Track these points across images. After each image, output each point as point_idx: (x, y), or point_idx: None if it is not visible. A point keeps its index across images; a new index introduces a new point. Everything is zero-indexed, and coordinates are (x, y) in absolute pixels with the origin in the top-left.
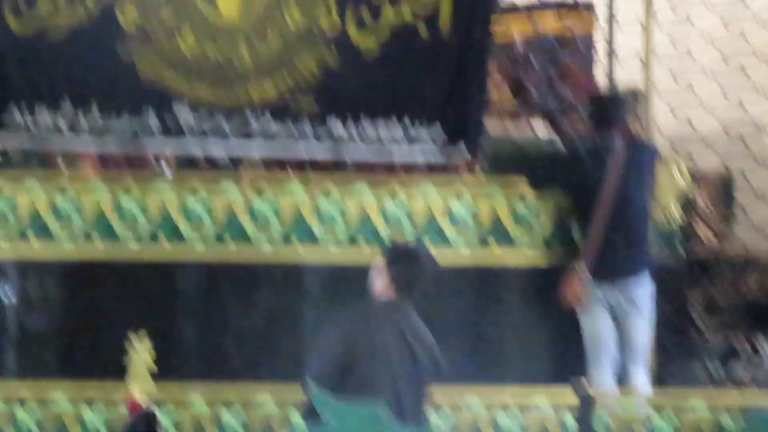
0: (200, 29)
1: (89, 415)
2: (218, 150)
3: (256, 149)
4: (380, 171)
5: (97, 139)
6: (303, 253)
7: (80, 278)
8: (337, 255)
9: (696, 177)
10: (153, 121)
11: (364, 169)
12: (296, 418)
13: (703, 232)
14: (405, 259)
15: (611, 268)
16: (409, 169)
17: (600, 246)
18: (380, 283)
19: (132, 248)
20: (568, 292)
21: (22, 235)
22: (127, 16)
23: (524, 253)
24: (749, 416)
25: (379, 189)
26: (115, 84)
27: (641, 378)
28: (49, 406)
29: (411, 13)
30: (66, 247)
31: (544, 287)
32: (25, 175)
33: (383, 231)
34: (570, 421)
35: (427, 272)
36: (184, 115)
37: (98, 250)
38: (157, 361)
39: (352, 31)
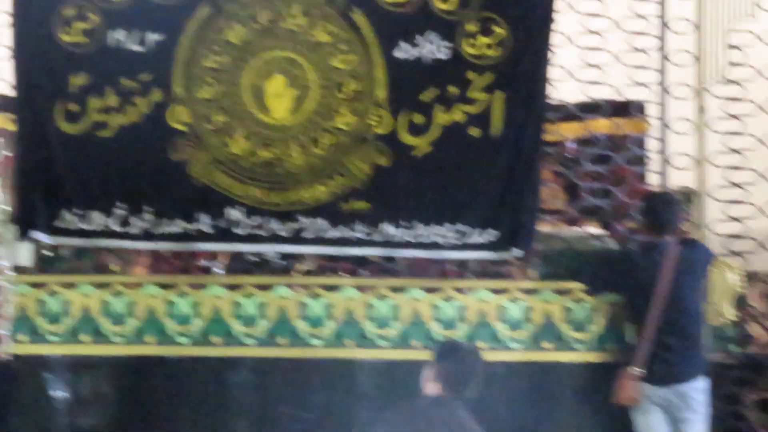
0: (252, 132)
1: None
2: (271, 252)
3: (309, 252)
4: (433, 272)
5: (150, 242)
6: (354, 352)
7: (132, 375)
8: (389, 353)
9: (749, 276)
10: (206, 224)
11: (417, 270)
12: None
13: (756, 331)
14: (452, 355)
15: (666, 372)
16: (462, 272)
17: (654, 348)
18: (428, 380)
19: (184, 346)
20: (621, 393)
21: (74, 334)
22: (179, 118)
23: (577, 354)
24: None
25: (432, 292)
26: (167, 187)
27: None
28: None
29: (462, 113)
30: (118, 346)
31: (596, 383)
32: (77, 276)
33: (436, 332)
34: None
35: (474, 368)
36: (237, 218)
37: (150, 348)
38: None
39: (404, 134)
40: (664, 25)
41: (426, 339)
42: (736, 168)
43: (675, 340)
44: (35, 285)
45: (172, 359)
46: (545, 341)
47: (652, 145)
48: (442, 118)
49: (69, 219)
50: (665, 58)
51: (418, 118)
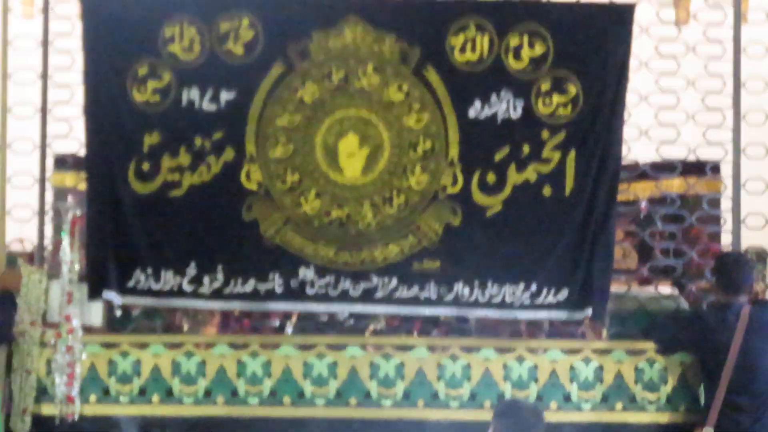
0: (324, 191)
1: None
2: (343, 312)
3: (380, 312)
4: (505, 332)
5: (221, 301)
6: (425, 411)
7: None
8: (460, 414)
9: None
10: (277, 283)
11: (489, 329)
12: None
13: None
14: (510, 414)
15: None
16: (534, 331)
17: (725, 409)
18: None
19: (254, 407)
20: None
21: (145, 394)
22: (251, 178)
23: (649, 415)
24: None
25: (504, 352)
26: (239, 246)
27: None
28: None
29: (536, 173)
30: (188, 406)
31: None
32: (148, 336)
33: (507, 392)
34: None
35: (533, 428)
36: (308, 277)
37: (220, 408)
38: None
39: (476, 193)
40: (739, 83)
41: (497, 399)
42: None
43: (747, 401)
44: (106, 345)
45: (243, 419)
46: (617, 401)
47: (725, 204)
48: (515, 177)
49: (140, 278)
50: (739, 116)
51: (491, 177)
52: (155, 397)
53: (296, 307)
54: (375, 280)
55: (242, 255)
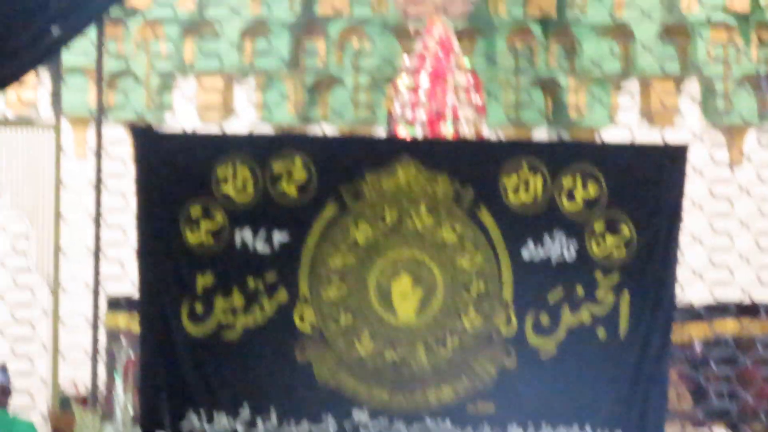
0: (378, 333)
1: None
2: None
3: None
4: None
5: None
6: None
7: None
8: None
9: None
10: (331, 426)
11: None
12: None
13: None
14: None
15: None
16: None
17: None
18: None
19: None
20: None
21: None
22: (304, 319)
23: None
24: None
25: None
26: (293, 388)
27: None
28: None
29: (590, 315)
30: None
31: None
32: None
33: None
34: None
35: None
36: (362, 420)
37: None
38: None
39: (530, 335)
40: None
41: None
42: None
43: None
44: None
45: None
46: None
47: None
48: (569, 319)
49: (194, 421)
50: None
51: (545, 319)
52: None
53: None
54: (429, 422)
55: (296, 397)
